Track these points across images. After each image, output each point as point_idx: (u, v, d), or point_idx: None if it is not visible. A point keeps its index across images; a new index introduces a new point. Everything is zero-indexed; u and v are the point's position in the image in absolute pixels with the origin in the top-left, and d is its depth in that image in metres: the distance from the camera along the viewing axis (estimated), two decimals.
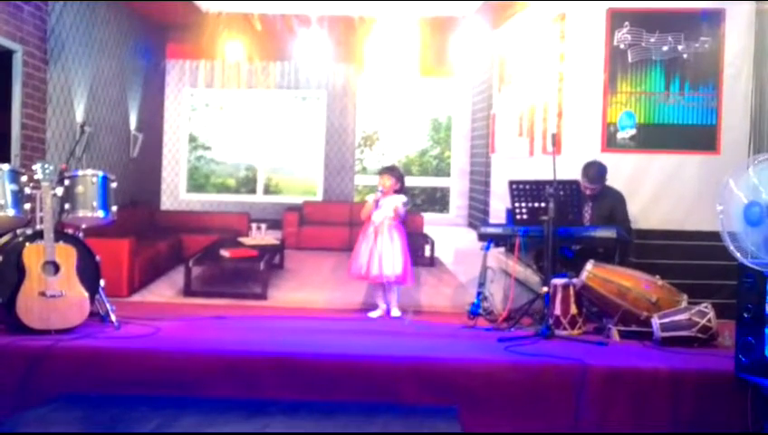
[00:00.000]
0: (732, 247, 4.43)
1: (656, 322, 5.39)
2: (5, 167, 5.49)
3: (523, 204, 6.21)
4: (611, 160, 6.71)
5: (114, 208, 5.95)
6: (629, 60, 7.03)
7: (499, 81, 9.74)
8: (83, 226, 5.87)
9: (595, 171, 6.44)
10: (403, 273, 6.54)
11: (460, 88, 12.90)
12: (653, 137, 7.03)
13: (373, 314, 6.55)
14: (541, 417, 4.56)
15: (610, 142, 7.01)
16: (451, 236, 11.47)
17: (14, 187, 5.45)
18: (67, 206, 5.73)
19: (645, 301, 5.59)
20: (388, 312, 6.58)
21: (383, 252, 6.47)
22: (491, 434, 4.52)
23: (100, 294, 5.64)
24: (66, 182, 5.74)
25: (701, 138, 6.98)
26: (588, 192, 6.42)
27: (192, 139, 13.15)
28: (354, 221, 10.52)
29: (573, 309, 5.77)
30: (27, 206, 5.52)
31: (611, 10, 7.01)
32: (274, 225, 10.53)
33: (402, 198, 6.62)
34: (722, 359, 4.78)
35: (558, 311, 5.75)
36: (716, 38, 6.95)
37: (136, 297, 7.14)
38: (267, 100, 12.87)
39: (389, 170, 6.77)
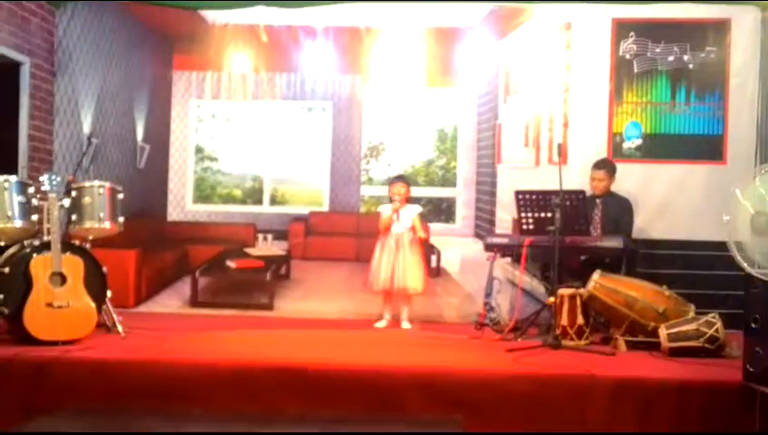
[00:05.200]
0: (739, 257, 4.42)
1: (663, 332, 5.37)
2: (13, 178, 5.51)
3: (530, 214, 6.20)
4: (617, 170, 6.71)
5: (121, 219, 5.96)
6: (635, 70, 7.03)
7: (505, 91, 9.74)
8: (90, 237, 5.88)
9: (604, 160, 6.66)
10: (424, 284, 6.52)
11: (466, 98, 12.90)
12: (659, 147, 7.03)
13: (379, 325, 6.53)
14: (547, 427, 4.55)
15: (616, 152, 7.01)
16: (457, 247, 11.46)
17: (21, 198, 5.47)
18: (74, 217, 5.75)
19: (652, 311, 5.58)
20: (395, 323, 6.56)
21: (407, 264, 6.43)
22: None
23: (106, 305, 5.65)
24: (73, 193, 5.76)
25: (707, 147, 6.97)
26: (598, 185, 6.46)
27: (198, 150, 13.16)
28: (361, 232, 10.55)
29: (580, 319, 5.76)
30: (34, 217, 5.54)
31: (617, 20, 7.02)
32: (281, 235, 10.54)
33: (418, 208, 6.60)
34: (730, 369, 4.76)
35: (565, 321, 5.74)
36: (722, 48, 6.96)
37: (142, 308, 7.15)
38: (273, 111, 12.88)
39: (402, 179, 6.74)
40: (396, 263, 6.43)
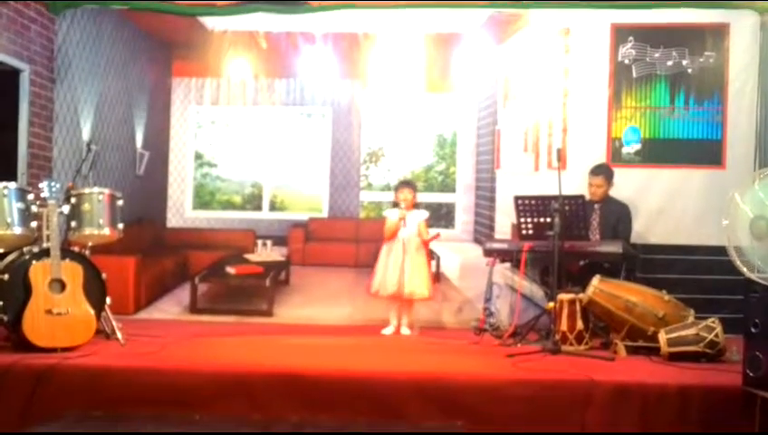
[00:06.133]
0: (738, 262, 4.42)
1: (663, 337, 5.37)
2: (12, 185, 5.51)
3: (529, 219, 6.20)
4: (617, 175, 6.71)
5: (120, 226, 5.96)
6: (634, 75, 7.04)
7: (504, 96, 9.75)
8: (90, 243, 5.88)
9: (601, 166, 6.65)
10: (430, 290, 6.51)
11: (465, 103, 12.90)
12: (658, 151, 7.03)
13: (386, 331, 6.51)
14: (548, 433, 4.54)
15: (615, 157, 7.02)
16: (457, 252, 11.45)
17: (20, 205, 5.47)
18: (73, 224, 5.75)
19: (651, 316, 5.58)
20: (398, 329, 6.55)
21: (414, 270, 6.42)
22: None
23: (106, 312, 5.65)
24: (72, 200, 5.76)
25: (706, 152, 6.98)
26: (596, 191, 6.46)
27: (198, 156, 13.14)
28: (360, 237, 10.54)
29: (580, 324, 5.76)
30: (34, 224, 5.54)
31: (615, 25, 7.03)
32: (280, 241, 10.53)
33: (425, 214, 6.58)
34: (729, 374, 4.77)
35: (564, 326, 5.74)
36: (721, 52, 6.97)
37: (142, 314, 7.15)
38: (272, 117, 12.87)
39: (408, 184, 6.73)
40: (404, 268, 6.42)
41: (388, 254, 6.51)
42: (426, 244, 6.56)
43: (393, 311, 6.58)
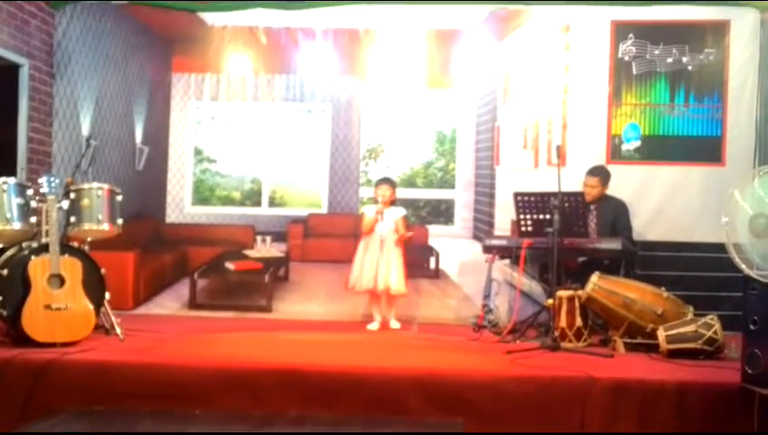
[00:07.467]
0: (737, 259, 4.42)
1: (661, 334, 5.37)
2: (11, 180, 5.51)
3: (528, 216, 6.20)
4: (616, 172, 6.71)
5: (119, 221, 5.96)
6: (634, 72, 7.03)
7: (504, 93, 9.75)
8: (89, 239, 5.88)
9: (599, 168, 6.61)
10: (404, 286, 6.53)
11: (465, 100, 12.90)
12: (658, 149, 7.03)
13: (371, 327, 6.53)
14: (547, 429, 4.54)
15: (615, 154, 7.01)
16: (456, 249, 11.46)
17: (19, 200, 5.46)
18: (73, 219, 5.74)
19: (650, 313, 5.58)
20: (386, 323, 6.56)
21: (391, 265, 6.44)
22: None
23: (105, 307, 5.65)
24: (72, 195, 5.75)
25: (706, 149, 6.98)
26: (591, 192, 6.45)
27: (197, 152, 13.13)
28: (359, 233, 10.55)
29: (579, 321, 5.76)
30: (33, 219, 5.54)
31: (616, 22, 7.03)
32: (279, 237, 10.54)
33: (402, 211, 6.61)
34: (728, 371, 4.76)
35: (563, 323, 5.74)
36: (721, 50, 6.96)
37: (141, 310, 7.15)
38: (272, 113, 12.87)
39: (387, 181, 6.74)
40: (380, 263, 6.44)
41: (365, 249, 6.54)
42: (401, 241, 6.56)
43: (375, 307, 6.60)
